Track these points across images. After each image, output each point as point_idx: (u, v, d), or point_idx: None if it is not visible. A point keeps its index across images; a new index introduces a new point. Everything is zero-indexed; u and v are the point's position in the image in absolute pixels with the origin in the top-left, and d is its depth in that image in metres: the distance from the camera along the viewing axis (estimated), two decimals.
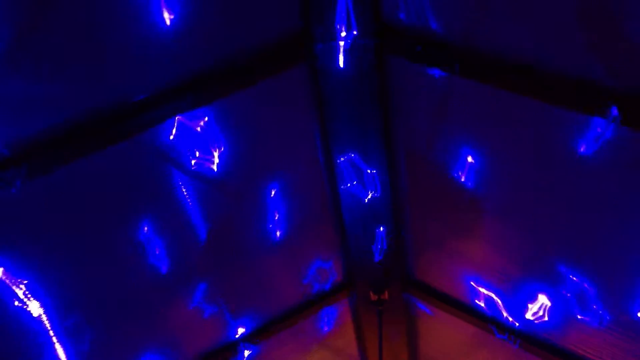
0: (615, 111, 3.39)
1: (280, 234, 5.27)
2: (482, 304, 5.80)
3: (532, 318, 5.40)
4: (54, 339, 4.56)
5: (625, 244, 4.28)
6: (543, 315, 5.29)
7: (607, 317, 4.84)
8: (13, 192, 3.50)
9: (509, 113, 4.07)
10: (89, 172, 3.88)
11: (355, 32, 4.09)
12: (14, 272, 4.03)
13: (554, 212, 4.53)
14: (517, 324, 5.68)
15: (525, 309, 5.41)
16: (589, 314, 4.97)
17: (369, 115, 4.65)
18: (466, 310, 6.00)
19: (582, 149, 3.83)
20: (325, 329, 6.64)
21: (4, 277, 3.98)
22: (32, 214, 3.89)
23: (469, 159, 4.59)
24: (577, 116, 3.68)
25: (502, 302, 5.61)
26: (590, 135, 3.71)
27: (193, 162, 4.27)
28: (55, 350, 4.63)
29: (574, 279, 4.86)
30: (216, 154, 4.35)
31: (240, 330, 5.92)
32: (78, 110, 3.58)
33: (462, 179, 4.75)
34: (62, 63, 3.35)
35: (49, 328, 4.45)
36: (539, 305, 5.30)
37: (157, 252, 4.65)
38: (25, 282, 4.08)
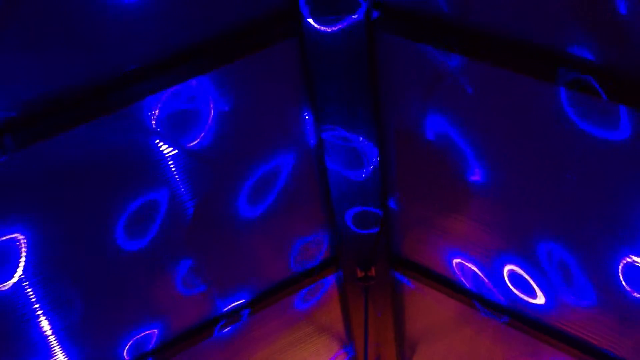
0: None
1: (266, 210, 5.25)
2: (468, 281, 5.84)
3: (518, 294, 5.45)
4: (39, 312, 4.55)
5: (611, 219, 4.31)
6: (531, 293, 5.34)
7: (593, 294, 4.88)
8: None
9: (500, 90, 4.07)
10: (74, 144, 3.86)
11: (346, 8, 4.06)
12: None
13: (541, 189, 4.55)
14: (502, 300, 5.72)
15: (511, 285, 5.45)
16: (574, 290, 5.01)
17: (359, 93, 4.62)
18: (452, 287, 6.03)
19: (573, 125, 3.84)
20: (311, 305, 6.64)
21: None
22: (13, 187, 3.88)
23: (458, 137, 4.60)
24: (568, 92, 3.69)
25: (487, 279, 5.64)
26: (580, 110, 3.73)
27: (177, 137, 4.24)
28: (39, 322, 4.63)
29: (560, 255, 4.89)
30: (202, 128, 4.32)
31: (224, 306, 5.92)
32: (68, 81, 3.55)
33: (451, 158, 4.76)
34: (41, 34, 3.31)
35: (34, 300, 4.44)
36: (524, 281, 5.34)
37: (142, 226, 4.63)
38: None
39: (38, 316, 4.58)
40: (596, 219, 4.42)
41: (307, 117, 4.82)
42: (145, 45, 3.71)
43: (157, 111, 4.08)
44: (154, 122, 4.10)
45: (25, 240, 4.10)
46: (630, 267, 4.43)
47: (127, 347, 5.43)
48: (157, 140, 4.24)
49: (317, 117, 4.80)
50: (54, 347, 4.88)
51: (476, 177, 4.82)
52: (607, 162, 3.97)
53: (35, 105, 3.55)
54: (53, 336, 4.80)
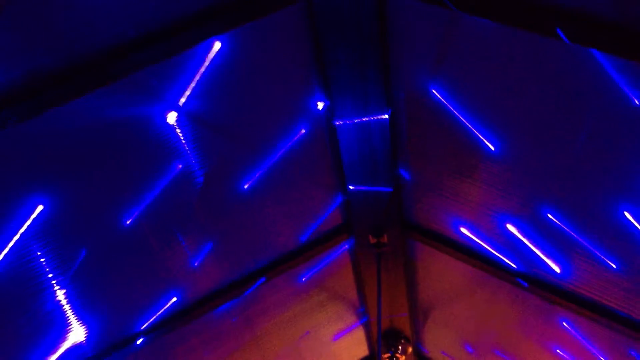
0: None
1: (279, 177, 5.24)
2: (480, 246, 5.82)
3: (531, 259, 5.45)
4: (54, 281, 4.59)
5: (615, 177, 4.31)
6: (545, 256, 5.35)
7: (609, 258, 4.87)
8: None
9: (512, 50, 4.01)
10: (82, 110, 3.85)
11: None
12: None
13: (553, 153, 4.52)
14: (518, 265, 5.72)
15: (522, 250, 5.45)
16: (588, 254, 5.01)
17: (369, 57, 4.56)
18: (465, 251, 6.03)
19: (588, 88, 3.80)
20: (324, 272, 6.66)
21: None
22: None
23: (467, 101, 4.56)
24: (579, 49, 3.64)
25: (499, 243, 5.63)
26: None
27: (181, 101, 4.21)
28: (55, 292, 4.67)
29: (568, 219, 4.88)
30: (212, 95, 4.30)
31: (237, 275, 5.94)
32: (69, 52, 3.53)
33: (461, 122, 4.72)
34: None
35: (48, 270, 4.48)
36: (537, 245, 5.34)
37: (154, 196, 4.64)
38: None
39: (52, 285, 4.62)
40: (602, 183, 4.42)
41: (316, 82, 4.78)
42: (152, 11, 3.66)
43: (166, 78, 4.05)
44: (162, 88, 4.08)
45: (42, 208, 4.13)
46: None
47: (142, 315, 5.50)
48: (166, 108, 4.22)
49: (327, 82, 4.76)
50: (69, 316, 4.93)
51: (487, 142, 4.78)
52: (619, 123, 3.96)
53: (39, 77, 3.53)
54: (68, 305, 4.84)
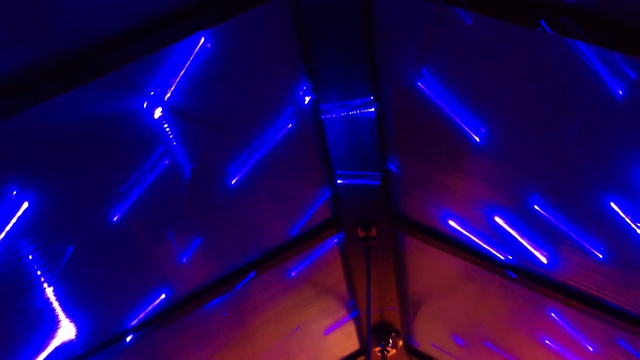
0: None
1: (266, 172, 5.24)
2: (469, 239, 5.84)
3: (519, 251, 5.47)
4: (42, 279, 4.58)
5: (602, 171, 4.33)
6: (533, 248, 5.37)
7: (600, 249, 4.90)
8: None
9: (500, 43, 4.02)
10: (67, 105, 3.83)
11: None
12: None
13: (539, 145, 4.54)
14: (507, 257, 5.74)
15: (512, 241, 5.47)
16: (578, 246, 5.03)
17: (355, 51, 4.56)
18: (454, 244, 6.04)
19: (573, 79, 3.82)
20: (313, 267, 6.66)
21: None
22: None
23: (455, 94, 4.58)
24: (563, 41, 3.65)
25: (489, 235, 5.65)
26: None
27: (166, 96, 4.20)
28: (44, 290, 4.66)
29: (555, 211, 4.91)
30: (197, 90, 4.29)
31: (226, 270, 5.94)
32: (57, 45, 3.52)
33: (448, 115, 4.73)
34: None
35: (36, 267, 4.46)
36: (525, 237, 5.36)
37: (141, 191, 4.63)
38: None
39: (41, 283, 4.61)
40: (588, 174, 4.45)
41: (302, 76, 4.78)
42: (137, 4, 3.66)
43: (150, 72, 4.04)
44: (147, 84, 4.07)
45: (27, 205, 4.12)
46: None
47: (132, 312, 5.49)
48: (152, 104, 4.21)
49: (313, 76, 4.76)
50: (58, 313, 4.92)
51: (474, 134, 4.80)
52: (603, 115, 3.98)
53: (27, 71, 3.52)
54: (57, 302, 4.83)
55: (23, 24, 3.34)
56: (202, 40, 4.02)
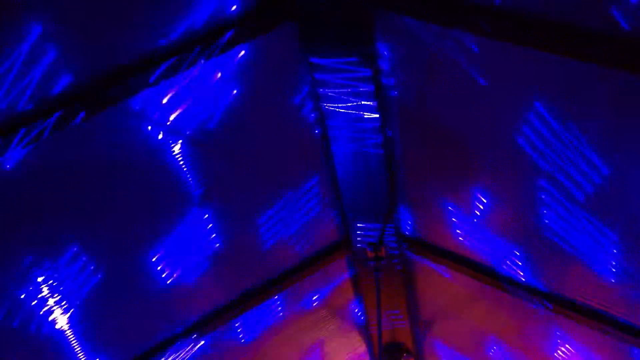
0: None
1: (275, 194, 5.27)
2: (480, 256, 5.83)
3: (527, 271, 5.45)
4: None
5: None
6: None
7: (615, 266, 4.86)
8: None
9: (503, 61, 4.05)
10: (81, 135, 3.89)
11: None
12: None
13: None
14: (514, 275, 5.72)
15: (525, 260, 5.45)
16: (592, 264, 4.99)
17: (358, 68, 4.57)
18: (464, 263, 6.03)
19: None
20: (324, 289, 6.67)
21: None
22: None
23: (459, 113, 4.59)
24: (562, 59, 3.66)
25: (501, 254, 5.63)
26: None
27: (172, 117, 4.24)
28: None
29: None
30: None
31: (234, 295, 5.99)
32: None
33: (455, 132, 4.74)
34: None
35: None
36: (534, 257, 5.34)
37: (153, 213, 4.68)
38: None
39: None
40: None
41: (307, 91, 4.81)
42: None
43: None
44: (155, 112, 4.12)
45: None
46: None
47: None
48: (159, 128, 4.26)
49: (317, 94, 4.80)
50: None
51: (485, 151, 4.80)
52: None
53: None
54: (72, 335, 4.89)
55: None
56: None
